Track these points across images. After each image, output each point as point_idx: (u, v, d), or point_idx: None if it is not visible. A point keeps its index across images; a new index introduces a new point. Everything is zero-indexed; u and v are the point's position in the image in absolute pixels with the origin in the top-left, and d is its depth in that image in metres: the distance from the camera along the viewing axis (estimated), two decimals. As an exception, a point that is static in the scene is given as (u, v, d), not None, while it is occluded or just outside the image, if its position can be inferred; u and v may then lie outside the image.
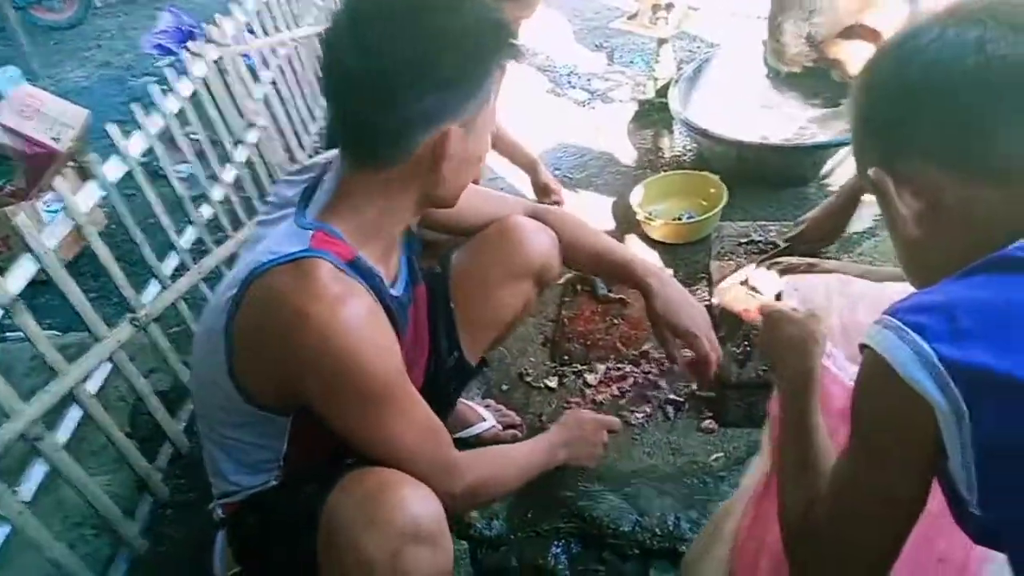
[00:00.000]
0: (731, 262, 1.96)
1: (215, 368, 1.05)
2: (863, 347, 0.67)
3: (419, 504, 0.99)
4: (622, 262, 1.43)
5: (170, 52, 3.87)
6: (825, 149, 2.27)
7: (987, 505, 0.61)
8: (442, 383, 1.36)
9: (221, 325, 1.02)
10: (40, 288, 1.51)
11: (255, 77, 2.94)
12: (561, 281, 2.08)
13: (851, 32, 1.36)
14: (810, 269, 1.62)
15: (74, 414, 1.45)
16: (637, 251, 2.14)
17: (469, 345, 1.41)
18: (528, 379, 1.80)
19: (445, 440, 1.13)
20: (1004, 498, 0.60)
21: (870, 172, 0.73)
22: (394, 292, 1.14)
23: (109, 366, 1.55)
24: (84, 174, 2.78)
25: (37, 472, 1.33)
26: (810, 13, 1.36)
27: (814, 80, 2.64)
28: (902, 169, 0.71)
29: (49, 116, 2.55)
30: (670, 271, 1.45)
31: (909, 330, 0.61)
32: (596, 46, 3.67)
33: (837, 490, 0.73)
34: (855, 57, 1.37)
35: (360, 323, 0.98)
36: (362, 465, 1.04)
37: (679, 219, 2.21)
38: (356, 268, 1.03)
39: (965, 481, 0.61)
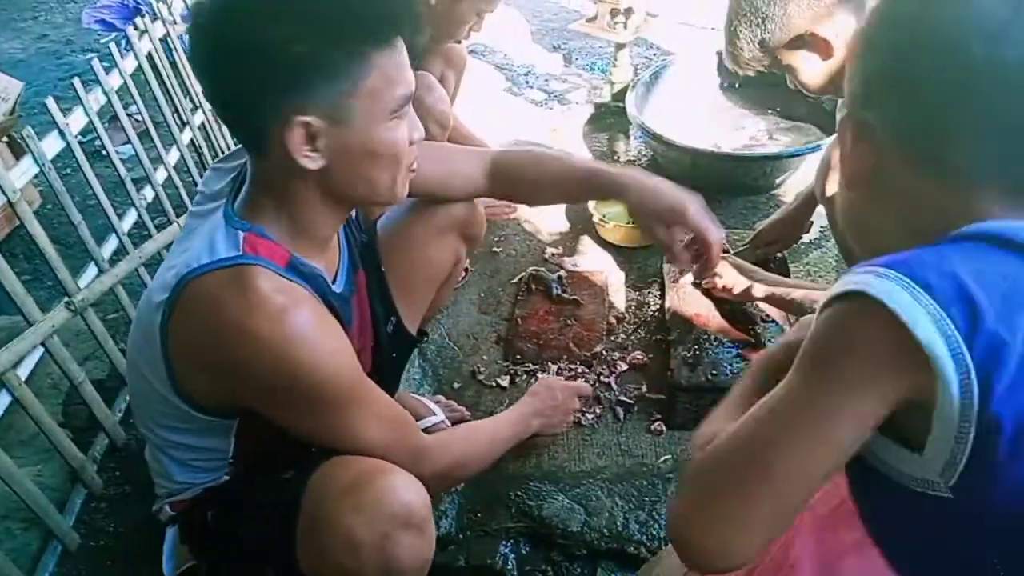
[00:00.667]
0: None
1: (154, 374, 1.01)
2: (839, 297, 0.60)
3: (411, 491, 0.98)
4: (587, 174, 1.36)
5: (113, 28, 3.72)
6: (777, 159, 2.33)
7: (961, 488, 0.59)
8: (384, 352, 1.33)
9: (155, 330, 0.97)
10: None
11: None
12: (515, 280, 2.08)
13: (802, 41, 1.39)
14: (750, 277, 1.66)
15: (2, 400, 1.38)
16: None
17: (406, 310, 1.39)
18: (480, 377, 1.79)
19: (411, 427, 1.13)
20: (984, 477, 0.58)
21: (839, 114, 0.70)
22: (336, 288, 1.12)
23: (41, 351, 1.48)
24: (15, 150, 2.65)
25: (-40, 461, 1.26)
26: (763, 19, 1.38)
27: (767, 91, 2.71)
28: (866, 125, 0.68)
29: (-19, 87, 2.41)
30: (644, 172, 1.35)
31: (918, 287, 0.56)
32: (554, 47, 3.68)
33: (770, 409, 0.63)
34: (806, 65, 1.40)
35: (309, 333, 0.95)
36: (333, 453, 1.03)
37: (632, 222, 2.23)
38: (294, 271, 1.00)
39: (944, 461, 0.58)
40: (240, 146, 1.06)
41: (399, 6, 0.96)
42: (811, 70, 1.42)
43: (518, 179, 1.39)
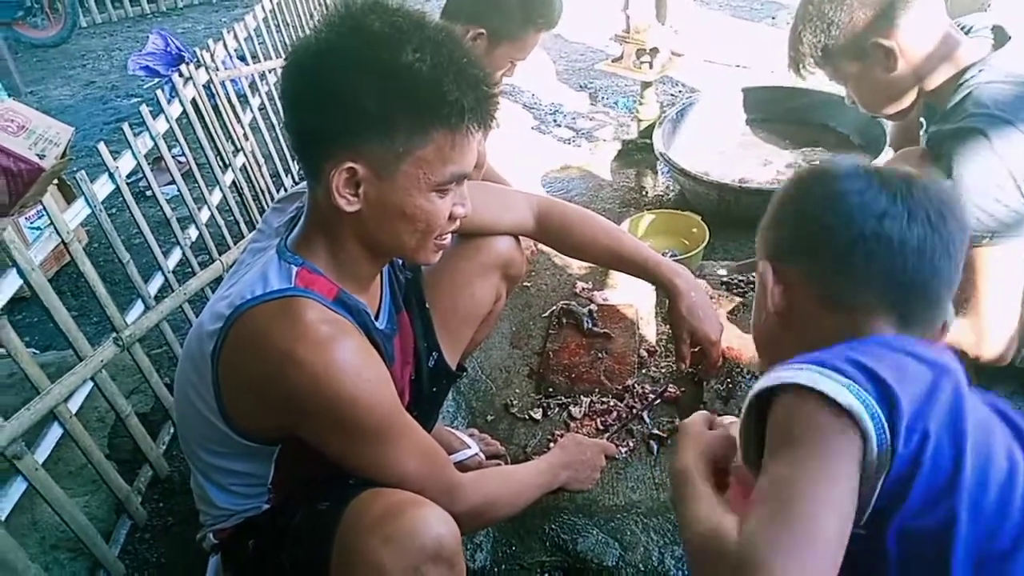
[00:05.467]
0: (714, 300, 2.00)
1: (201, 400, 1.05)
2: (770, 392, 0.72)
3: (442, 524, 0.99)
4: (644, 262, 1.48)
5: (157, 74, 3.88)
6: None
7: (869, 524, 0.70)
8: (424, 386, 1.36)
9: (207, 358, 1.02)
10: (17, 304, 1.50)
11: (244, 102, 2.96)
12: (546, 314, 2.10)
13: (864, 52, 1.40)
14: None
15: (54, 433, 1.43)
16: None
17: (447, 346, 1.42)
18: (513, 410, 1.80)
19: (445, 462, 1.14)
20: (884, 514, 0.69)
21: (759, 262, 0.88)
22: (379, 325, 1.16)
23: (90, 385, 1.53)
24: (64, 191, 2.76)
25: (14, 491, 1.31)
26: (828, 25, 1.40)
27: (790, 127, 2.74)
28: (784, 272, 0.86)
29: (35, 132, 2.53)
30: (696, 280, 1.51)
31: (831, 371, 0.69)
32: (581, 86, 3.75)
33: (787, 486, 0.68)
34: (866, 77, 1.42)
35: (352, 362, 0.99)
36: (369, 483, 1.05)
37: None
38: (341, 304, 1.05)
39: (865, 503, 0.69)
40: (298, 187, 1.13)
41: (478, 100, 0.99)
42: (870, 83, 1.43)
43: (566, 233, 1.50)
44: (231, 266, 2.15)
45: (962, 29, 1.48)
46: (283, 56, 3.40)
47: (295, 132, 1.04)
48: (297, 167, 3.20)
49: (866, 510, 0.69)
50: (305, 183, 1.09)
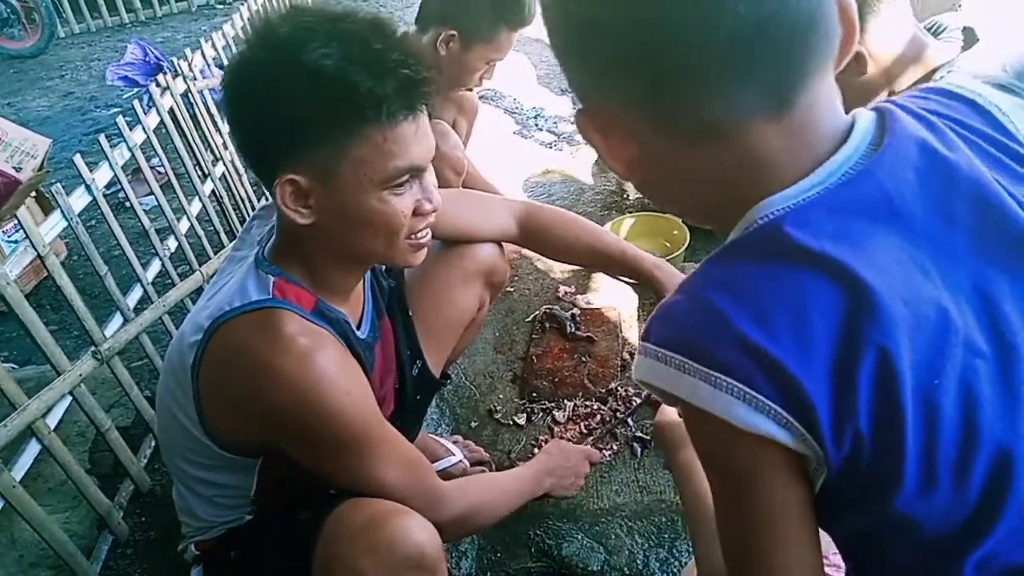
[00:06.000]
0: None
1: (182, 412, 1.04)
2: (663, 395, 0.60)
3: (424, 533, 0.99)
4: (625, 257, 1.52)
5: (136, 84, 3.85)
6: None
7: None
8: (407, 395, 1.36)
9: (187, 370, 1.01)
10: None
11: (222, 111, 2.94)
12: (529, 319, 2.11)
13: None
14: None
15: (32, 449, 1.41)
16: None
17: (431, 354, 1.42)
18: (497, 416, 1.80)
19: (428, 471, 1.14)
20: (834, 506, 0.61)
21: (574, 115, 0.68)
22: (360, 334, 1.15)
23: (69, 400, 1.52)
24: (43, 203, 2.73)
25: (-9, 509, 1.29)
26: None
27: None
28: (611, 111, 0.61)
29: (11, 145, 2.50)
30: (678, 273, 1.54)
31: (716, 372, 0.55)
32: (562, 90, 3.76)
33: (730, 522, 0.63)
34: (838, 83, 1.44)
35: (331, 374, 0.98)
36: (350, 494, 1.05)
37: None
38: (320, 315, 1.04)
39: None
40: None
41: (399, 86, 0.95)
42: (843, 87, 1.44)
43: (548, 235, 1.51)
44: (211, 276, 2.14)
45: (935, 28, 1.50)
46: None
47: (239, 151, 1.05)
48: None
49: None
50: None
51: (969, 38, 1.43)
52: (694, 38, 0.54)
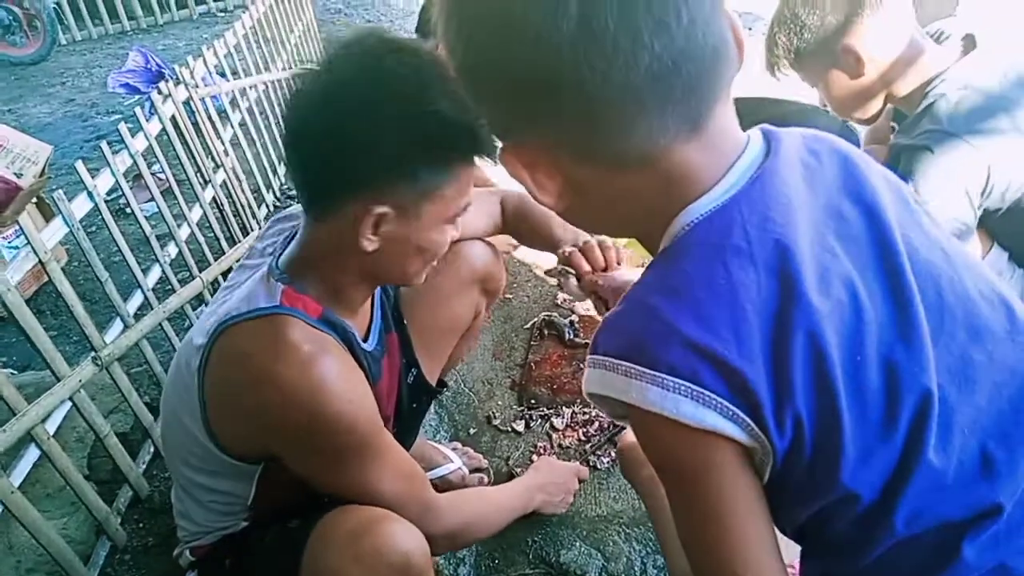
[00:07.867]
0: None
1: (188, 414, 1.05)
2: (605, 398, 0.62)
3: (411, 540, 0.99)
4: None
5: (137, 91, 3.87)
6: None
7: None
8: (403, 403, 1.36)
9: (193, 372, 1.02)
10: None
11: (224, 118, 2.96)
12: (528, 326, 2.11)
13: (834, 56, 1.43)
14: None
15: (31, 454, 1.41)
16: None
17: (426, 362, 1.42)
18: (496, 423, 1.81)
19: (423, 483, 1.14)
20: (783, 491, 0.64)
21: (499, 151, 0.66)
22: (367, 346, 1.15)
23: (68, 405, 1.52)
24: (44, 210, 2.74)
25: (-10, 515, 1.29)
26: (801, 28, 1.43)
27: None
28: (532, 144, 0.63)
29: (12, 151, 2.51)
30: None
31: (663, 373, 0.58)
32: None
33: (688, 520, 0.65)
34: (836, 82, 1.45)
35: (333, 381, 0.98)
36: (342, 502, 1.05)
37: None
38: (326, 323, 1.04)
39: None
40: (294, 208, 1.13)
41: (482, 126, 0.94)
42: (840, 87, 1.46)
43: (535, 226, 1.47)
44: (212, 283, 2.14)
45: (937, 35, 1.51)
46: (263, 72, 3.40)
47: (306, 169, 1.00)
48: (279, 184, 3.20)
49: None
50: (299, 205, 1.08)
51: (969, 45, 1.44)
52: (616, 78, 0.56)
